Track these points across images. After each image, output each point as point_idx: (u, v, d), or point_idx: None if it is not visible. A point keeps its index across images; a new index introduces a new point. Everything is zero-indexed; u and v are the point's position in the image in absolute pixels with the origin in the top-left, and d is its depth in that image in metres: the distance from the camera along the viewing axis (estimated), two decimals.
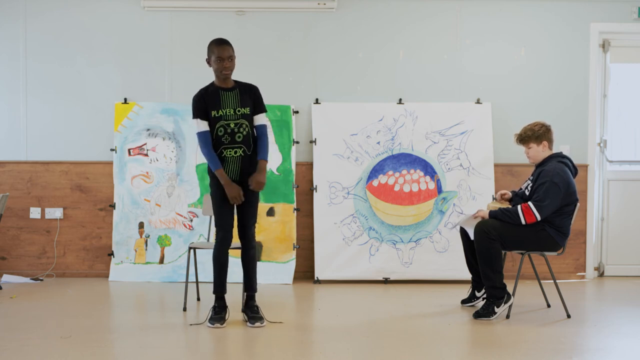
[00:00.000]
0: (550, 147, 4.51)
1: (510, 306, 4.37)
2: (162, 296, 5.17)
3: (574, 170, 4.47)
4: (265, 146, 4.15)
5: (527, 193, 4.48)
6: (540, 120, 4.63)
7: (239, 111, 4.08)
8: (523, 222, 4.32)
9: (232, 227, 4.16)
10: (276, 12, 5.93)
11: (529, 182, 4.51)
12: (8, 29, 5.92)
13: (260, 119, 4.17)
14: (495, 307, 4.33)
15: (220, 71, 4.05)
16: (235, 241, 4.31)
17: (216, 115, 4.06)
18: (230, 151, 4.08)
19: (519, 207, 4.34)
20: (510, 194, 4.66)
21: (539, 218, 4.30)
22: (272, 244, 5.75)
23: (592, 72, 5.95)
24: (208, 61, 4.11)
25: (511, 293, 4.40)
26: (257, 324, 4.07)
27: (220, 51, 4.03)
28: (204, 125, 4.07)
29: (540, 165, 4.49)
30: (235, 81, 4.17)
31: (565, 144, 5.92)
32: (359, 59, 5.96)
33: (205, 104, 4.07)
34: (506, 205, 4.60)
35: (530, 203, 4.32)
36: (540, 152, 4.49)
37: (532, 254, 4.56)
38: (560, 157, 4.46)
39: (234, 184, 4.06)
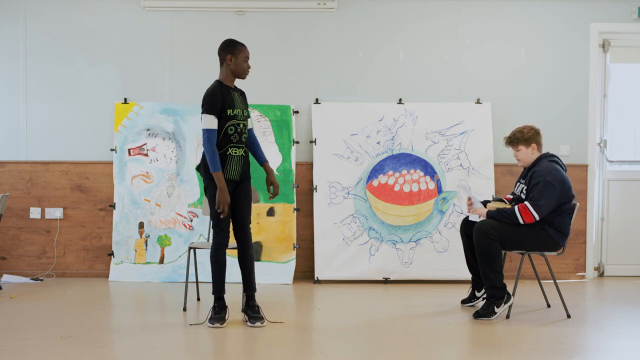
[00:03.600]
0: (539, 150, 4.53)
1: (510, 306, 4.37)
2: (162, 296, 5.17)
3: (564, 168, 4.48)
4: (261, 148, 4.35)
5: (523, 197, 4.48)
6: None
7: (245, 112, 4.17)
8: (521, 222, 4.32)
9: (229, 227, 4.16)
10: (276, 12, 5.93)
11: (523, 185, 4.50)
12: (8, 28, 5.92)
13: (250, 123, 4.28)
14: (495, 307, 4.33)
15: (244, 71, 4.14)
16: (231, 241, 4.31)
17: (231, 114, 4.07)
18: (236, 150, 4.11)
19: (516, 207, 4.34)
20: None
21: (537, 217, 4.30)
22: (272, 244, 5.75)
23: (592, 72, 5.95)
24: (230, 58, 4.08)
25: (511, 293, 4.40)
26: (258, 323, 4.07)
27: (248, 52, 4.14)
28: (212, 123, 4.00)
29: (531, 167, 4.49)
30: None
31: (565, 144, 5.92)
32: (359, 59, 5.96)
33: (222, 101, 4.04)
34: (505, 206, 4.60)
35: (527, 203, 4.32)
36: (529, 154, 4.51)
37: (532, 254, 4.56)
38: (549, 157, 4.47)
39: (227, 191, 4.00)
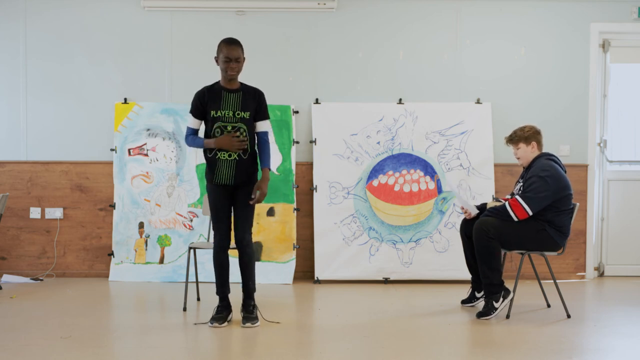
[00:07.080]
0: (539, 150, 4.54)
1: (510, 303, 4.36)
2: (162, 296, 5.17)
3: (562, 168, 4.49)
4: (268, 154, 4.11)
5: None
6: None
7: (238, 114, 4.02)
8: (514, 217, 4.31)
9: (229, 228, 4.13)
10: (276, 12, 5.93)
11: (521, 184, 4.51)
12: (8, 28, 5.92)
13: (262, 126, 4.11)
14: (494, 302, 4.32)
15: (225, 71, 4.00)
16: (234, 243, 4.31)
17: (215, 115, 4.02)
18: (224, 154, 4.02)
19: (506, 203, 4.34)
20: None
21: (529, 212, 4.28)
22: (272, 244, 5.75)
23: (592, 72, 5.95)
24: (216, 59, 4.05)
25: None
26: (248, 324, 4.05)
27: (229, 51, 3.97)
28: (192, 123, 4.11)
29: (529, 167, 4.50)
30: (242, 84, 4.11)
31: (565, 144, 5.92)
32: (359, 59, 5.96)
33: (204, 103, 4.04)
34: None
35: (517, 197, 4.33)
36: (529, 153, 4.52)
37: (532, 254, 4.56)
38: (547, 156, 4.49)
39: (221, 137, 3.99)
